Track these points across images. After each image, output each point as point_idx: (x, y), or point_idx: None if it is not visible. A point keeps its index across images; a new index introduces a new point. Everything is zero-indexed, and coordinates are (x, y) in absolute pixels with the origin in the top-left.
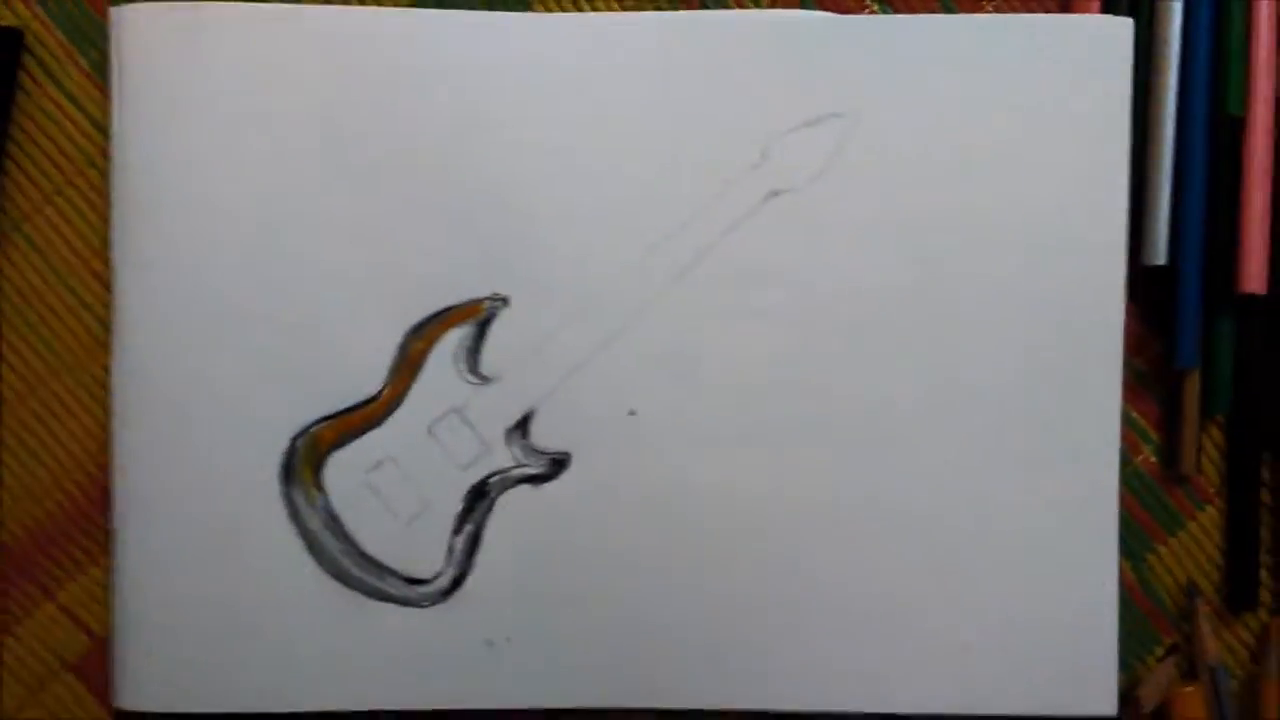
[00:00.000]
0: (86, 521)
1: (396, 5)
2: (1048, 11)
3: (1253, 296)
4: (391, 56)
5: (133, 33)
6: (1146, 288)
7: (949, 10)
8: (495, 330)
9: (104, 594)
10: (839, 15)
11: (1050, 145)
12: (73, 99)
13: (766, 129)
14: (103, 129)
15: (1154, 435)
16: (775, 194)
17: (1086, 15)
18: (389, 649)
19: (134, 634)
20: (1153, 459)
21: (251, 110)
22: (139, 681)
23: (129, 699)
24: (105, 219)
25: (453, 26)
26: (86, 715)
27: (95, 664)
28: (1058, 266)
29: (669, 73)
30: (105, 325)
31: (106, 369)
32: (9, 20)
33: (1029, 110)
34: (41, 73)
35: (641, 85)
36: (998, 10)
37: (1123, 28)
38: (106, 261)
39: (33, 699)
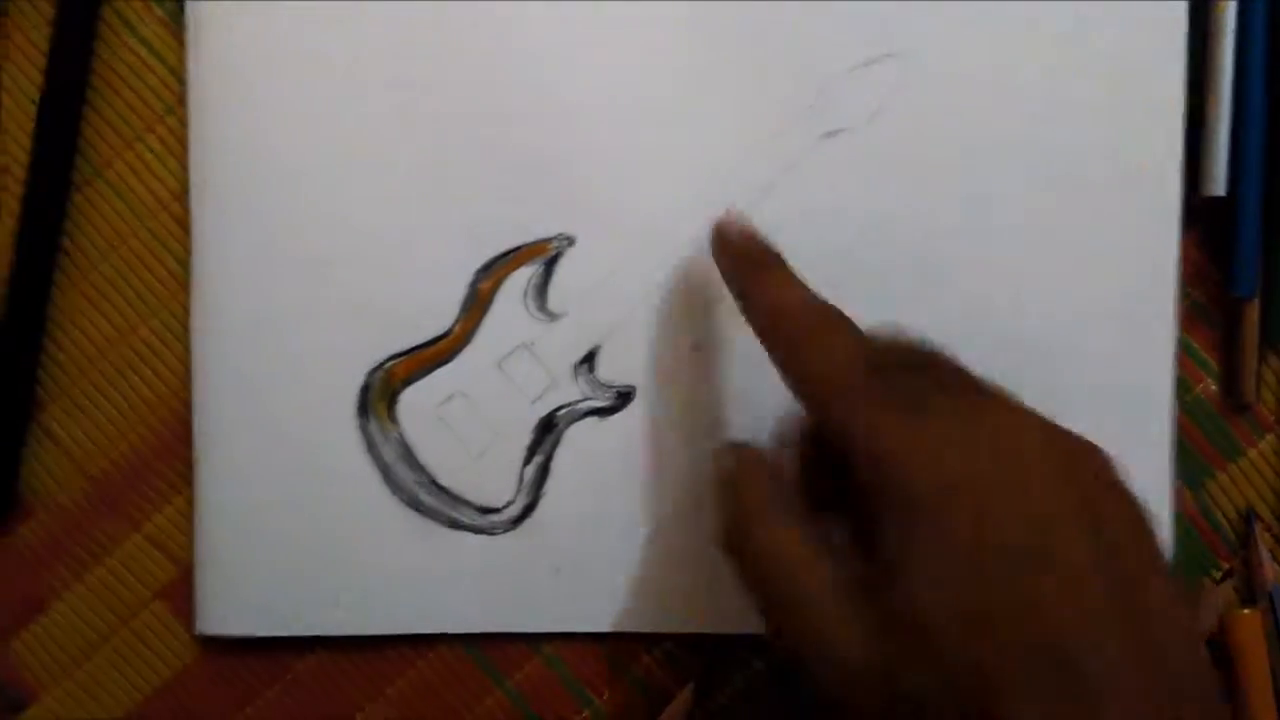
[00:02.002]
0: (171, 454)
1: None
2: None
3: None
4: (460, 6)
5: None
6: (1205, 218)
7: None
8: (562, 268)
9: (188, 524)
10: None
11: (1107, 76)
12: (151, 47)
13: (823, 69)
14: (180, 77)
15: (1214, 364)
16: (832, 134)
17: None
18: (462, 575)
19: (215, 562)
20: (1213, 388)
21: (324, 57)
22: (221, 607)
23: (212, 624)
24: (183, 164)
25: None
26: (173, 640)
27: (181, 591)
28: (1114, 198)
29: (728, 13)
30: (185, 266)
31: (186, 308)
32: None
33: (1085, 43)
34: (120, 23)
35: (701, 26)
36: None
37: None
38: (185, 205)
39: (123, 626)
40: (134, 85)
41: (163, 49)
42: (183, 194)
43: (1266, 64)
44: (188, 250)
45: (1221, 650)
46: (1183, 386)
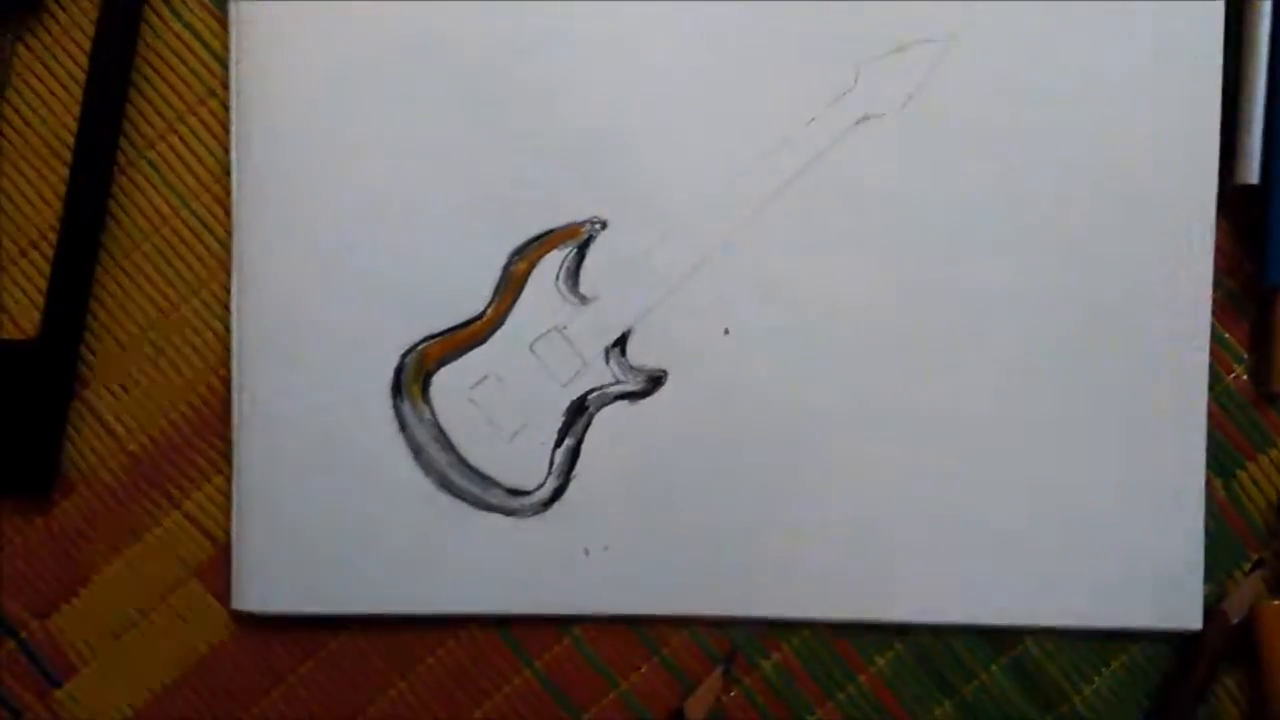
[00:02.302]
0: (209, 432)
1: None
2: None
3: None
4: None
5: None
6: (1239, 207)
7: None
8: (594, 252)
9: (226, 502)
10: None
11: (1142, 65)
12: (194, 31)
13: (859, 53)
14: (222, 61)
15: (1245, 354)
16: (867, 118)
17: None
18: (493, 555)
19: (252, 539)
20: (1244, 378)
21: (362, 44)
22: (256, 584)
23: (247, 601)
24: (225, 146)
25: None
26: (209, 616)
27: (217, 569)
28: (1150, 185)
29: (762, 3)
30: (226, 246)
31: (227, 288)
32: None
33: (1120, 31)
34: (164, 6)
35: (736, 9)
36: None
37: None
38: (226, 187)
39: (161, 603)
40: (177, 69)
41: (205, 33)
42: (224, 176)
43: None
44: (228, 231)
45: (1249, 639)
46: (1214, 376)
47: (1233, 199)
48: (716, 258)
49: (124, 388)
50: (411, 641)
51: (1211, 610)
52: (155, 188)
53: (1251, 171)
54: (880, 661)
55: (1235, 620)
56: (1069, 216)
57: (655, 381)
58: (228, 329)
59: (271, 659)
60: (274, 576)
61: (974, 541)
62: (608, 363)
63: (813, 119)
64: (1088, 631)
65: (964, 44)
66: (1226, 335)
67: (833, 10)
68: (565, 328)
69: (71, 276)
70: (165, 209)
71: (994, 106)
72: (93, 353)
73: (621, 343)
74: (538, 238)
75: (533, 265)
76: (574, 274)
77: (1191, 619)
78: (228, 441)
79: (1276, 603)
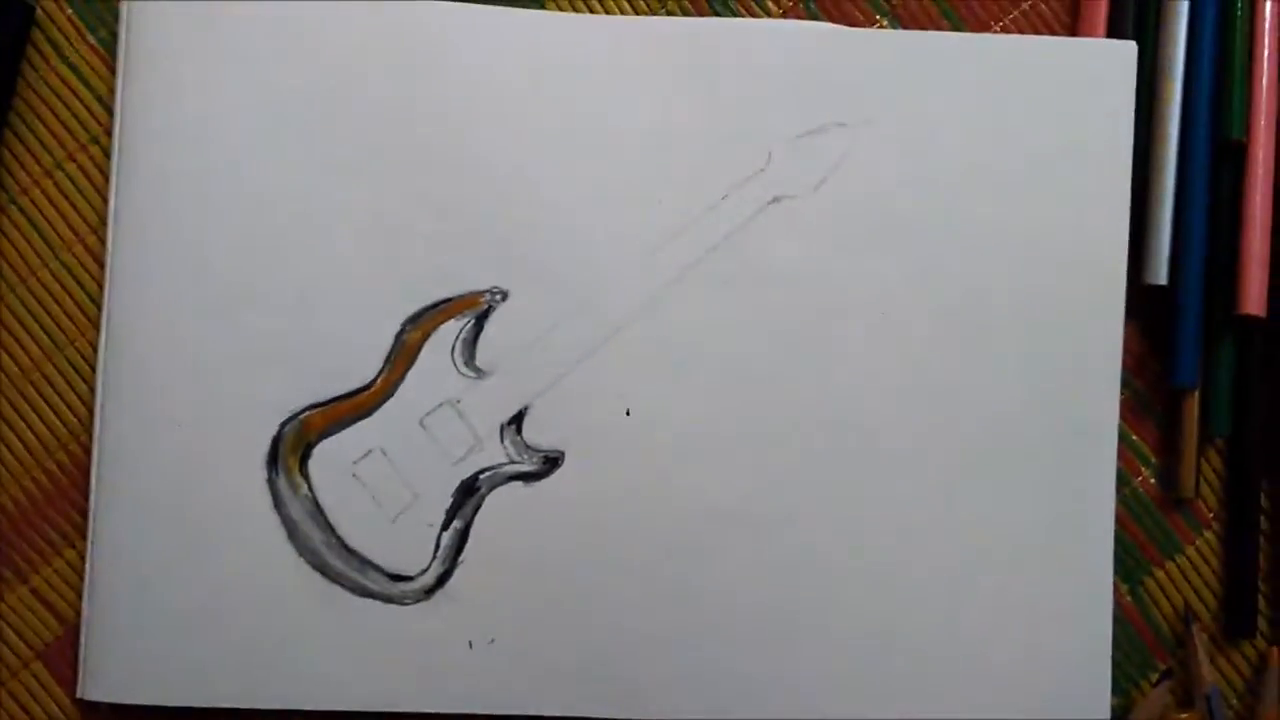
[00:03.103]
0: (65, 503)
1: None
2: (1054, 33)
3: (1253, 318)
4: (397, 48)
5: (144, 14)
6: (1147, 308)
7: (957, 28)
8: (493, 324)
9: (78, 579)
10: (847, 28)
11: (1053, 164)
12: (80, 75)
13: (772, 135)
14: (107, 106)
15: (1153, 457)
16: (778, 199)
17: (1092, 39)
18: (368, 647)
19: (105, 621)
20: (1151, 481)
21: (256, 96)
22: (107, 671)
23: (96, 690)
24: (104, 195)
25: (460, 20)
26: (52, 706)
27: (64, 652)
28: (1058, 284)
29: (676, 76)
30: (97, 303)
31: (95, 346)
32: None
33: (1032, 128)
34: (50, 48)
35: (648, 88)
36: (1005, 30)
37: (1127, 51)
38: (102, 238)
39: (0, 689)
40: (59, 111)
41: (91, 76)
42: (100, 226)
43: (1209, 158)
44: (101, 285)
45: None
46: (1121, 480)
47: (1141, 299)
48: (620, 335)
49: None
50: None
51: None
52: (26, 236)
53: (1160, 272)
54: None
55: None
56: (976, 311)
57: (552, 462)
58: (93, 391)
59: None
60: (127, 663)
61: (879, 642)
62: (502, 441)
63: (724, 197)
64: None
65: (878, 129)
66: (1134, 437)
67: (748, 90)
68: (459, 402)
69: None
70: (34, 259)
71: (904, 193)
72: None
73: (518, 420)
74: (434, 306)
75: (427, 335)
76: (470, 345)
77: None
78: (84, 513)
79: (1185, 716)
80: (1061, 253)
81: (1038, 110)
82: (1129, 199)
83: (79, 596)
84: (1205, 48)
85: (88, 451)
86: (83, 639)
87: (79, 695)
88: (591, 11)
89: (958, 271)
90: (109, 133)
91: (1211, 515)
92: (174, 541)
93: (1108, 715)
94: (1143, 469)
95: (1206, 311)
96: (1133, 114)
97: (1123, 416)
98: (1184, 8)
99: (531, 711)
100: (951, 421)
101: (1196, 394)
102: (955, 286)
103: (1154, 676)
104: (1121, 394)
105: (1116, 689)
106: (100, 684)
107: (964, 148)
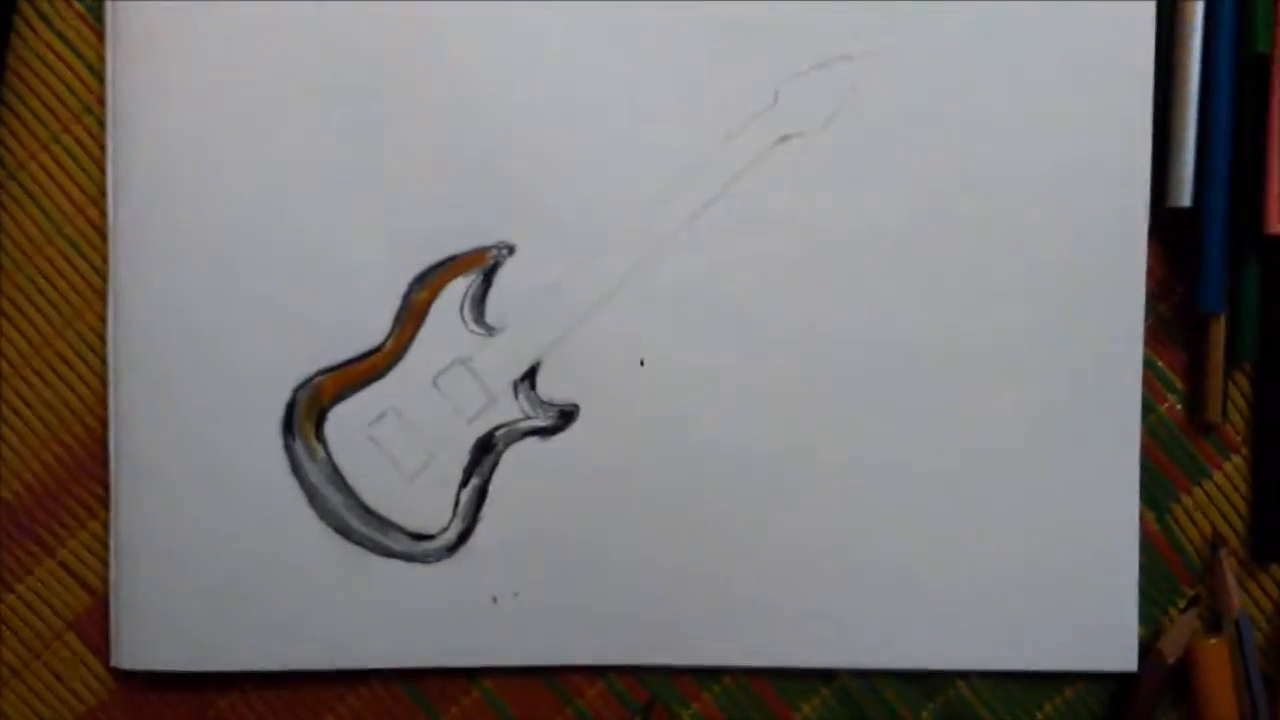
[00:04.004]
0: (86, 475)
1: None
2: None
3: (1278, 239)
4: (396, 3)
5: None
6: (1170, 230)
7: None
8: (501, 279)
9: (104, 550)
10: None
11: (1070, 87)
12: (69, 44)
13: (777, 72)
14: (99, 75)
15: (1179, 383)
16: (786, 139)
17: None
18: (393, 606)
19: (132, 591)
20: (1178, 407)
21: (250, 57)
22: (137, 640)
23: (128, 657)
24: (102, 166)
25: None
26: (87, 674)
27: (96, 622)
28: (1079, 209)
29: (678, 16)
30: (102, 274)
31: (103, 319)
32: None
33: (1048, 52)
34: (36, 17)
35: (651, 29)
36: None
37: None
38: (103, 209)
39: (35, 660)
40: (50, 82)
41: (81, 44)
42: (100, 198)
43: (1233, 75)
44: (105, 258)
45: (1186, 679)
46: (1147, 406)
47: (1164, 223)
48: (630, 284)
49: None
50: (308, 699)
51: (1147, 650)
52: (26, 212)
53: (1184, 194)
54: (806, 709)
55: (1171, 660)
56: (995, 241)
57: (567, 416)
58: (105, 363)
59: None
60: (156, 631)
61: (901, 583)
62: (516, 397)
63: (730, 140)
64: (1021, 674)
65: (886, 61)
66: (1159, 363)
67: (751, 27)
68: (470, 360)
69: None
70: (37, 235)
71: (916, 126)
72: None
73: (531, 376)
74: (440, 264)
75: (435, 293)
76: (479, 303)
77: (1127, 660)
78: (105, 485)
79: (1213, 641)
80: (1082, 178)
81: (1053, 33)
82: (1150, 120)
83: (106, 567)
84: None
85: (104, 424)
86: (113, 609)
87: (113, 664)
88: None
89: (974, 202)
90: (102, 102)
91: (1240, 439)
92: (195, 510)
93: (1135, 642)
94: (1169, 395)
95: (1231, 233)
96: (1153, 30)
97: (1147, 342)
98: None
99: (558, 662)
100: (973, 354)
101: (1223, 318)
102: (972, 217)
103: (1182, 603)
104: (1146, 319)
105: (1144, 616)
106: (132, 652)
107: (976, 74)
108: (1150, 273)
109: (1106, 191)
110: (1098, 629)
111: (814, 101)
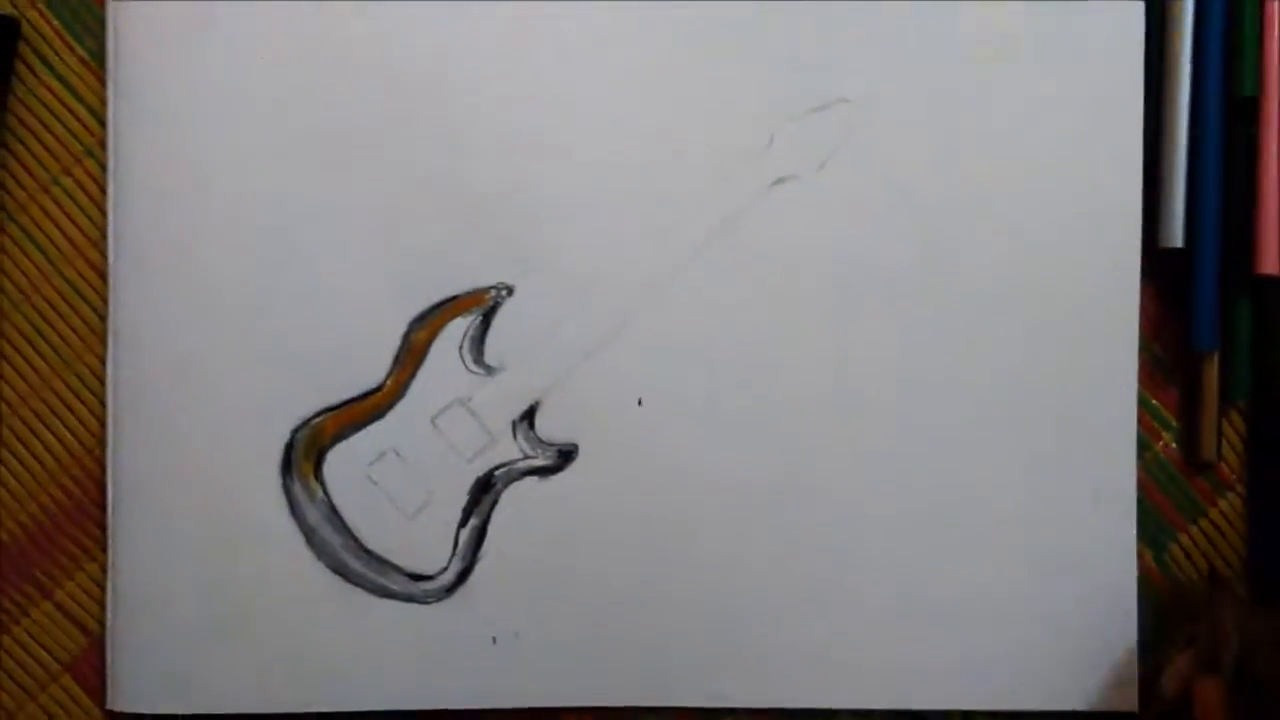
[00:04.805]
0: (84, 516)
1: None
2: None
3: (1271, 278)
4: (396, 45)
5: (130, 22)
6: (1163, 271)
7: None
8: (500, 319)
9: (100, 592)
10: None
11: (1063, 129)
12: (70, 88)
13: (774, 115)
14: (100, 118)
15: (1174, 421)
16: (782, 180)
17: None
18: (391, 647)
19: (128, 633)
20: (1173, 446)
21: (251, 99)
22: (133, 682)
23: (124, 700)
24: (102, 209)
25: (457, 14)
26: (82, 717)
27: (91, 664)
28: (1072, 251)
29: (676, 59)
30: (102, 316)
31: (103, 360)
32: (5, 8)
33: (1041, 94)
34: (38, 62)
35: (648, 71)
36: None
37: (1134, 11)
38: (103, 251)
39: (30, 702)
40: (51, 125)
41: (82, 88)
42: (101, 240)
43: (1222, 117)
44: (105, 299)
45: (1187, 717)
46: (1142, 445)
47: (1157, 263)
48: (628, 324)
49: None
50: None
51: (1147, 685)
52: (27, 254)
53: (1175, 235)
54: None
55: (1171, 697)
56: (989, 281)
57: (565, 456)
58: (104, 405)
59: None
60: (153, 673)
61: (901, 622)
62: (515, 437)
63: (726, 181)
64: (1022, 714)
65: (881, 105)
66: (1154, 402)
67: (747, 71)
68: (470, 400)
69: None
70: (37, 276)
71: (912, 168)
72: None
73: (529, 415)
74: (440, 304)
75: (435, 333)
76: (478, 343)
77: (1127, 699)
78: (103, 527)
79: (1213, 679)
80: (1075, 219)
81: (1045, 74)
82: (1141, 161)
83: (102, 609)
84: (1214, 3)
85: (102, 465)
86: (108, 651)
87: (108, 706)
88: None
89: (968, 243)
90: (103, 145)
91: (1234, 478)
92: (193, 551)
93: (1135, 679)
94: (1164, 434)
95: (1223, 273)
96: (1142, 74)
97: (1142, 381)
98: None
99: (559, 703)
100: (968, 393)
101: (1216, 356)
102: (966, 258)
103: (1181, 640)
104: (1140, 359)
105: (1144, 653)
106: (128, 695)
107: (971, 115)
108: (1144, 312)
109: (1100, 233)
110: (1098, 668)
111: (810, 144)
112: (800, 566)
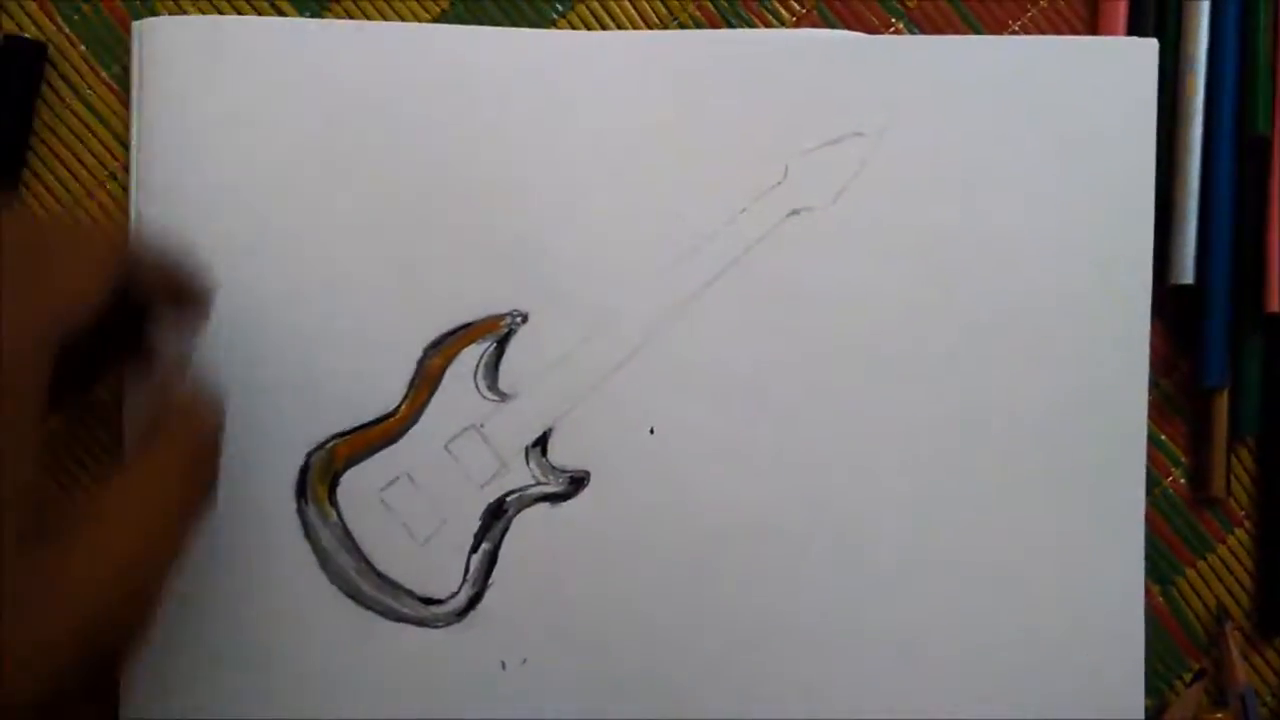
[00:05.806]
0: None
1: (420, 20)
2: (1074, 33)
3: None
4: (413, 72)
5: (154, 46)
6: (1174, 308)
7: (975, 31)
8: (514, 347)
9: None
10: (864, 35)
11: (1076, 165)
12: (95, 112)
13: (788, 147)
14: (124, 142)
15: (1183, 457)
16: (796, 212)
17: (1112, 36)
18: (402, 669)
19: (141, 654)
20: (1181, 481)
21: (272, 124)
22: (143, 703)
23: (135, 711)
24: (124, 232)
25: (476, 42)
26: None
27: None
28: (1084, 286)
29: (691, 91)
30: None
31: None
32: (32, 33)
33: (1054, 131)
34: (64, 86)
35: (664, 103)
36: (1023, 29)
37: (1148, 49)
38: None
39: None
40: (75, 149)
41: (106, 112)
42: None
43: (1234, 156)
44: None
45: None
46: (1151, 480)
47: (1168, 300)
48: (641, 354)
49: None
50: None
51: None
52: None
53: (1186, 271)
54: None
55: None
56: (1001, 316)
57: (577, 483)
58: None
59: None
60: (165, 695)
61: (909, 655)
62: (527, 463)
63: (742, 212)
64: None
65: (895, 138)
66: (1163, 438)
67: (763, 104)
68: (483, 426)
69: None
70: None
71: (925, 202)
72: None
73: (542, 442)
74: (454, 331)
75: (449, 360)
76: (493, 369)
77: None
78: None
79: (1219, 715)
80: (1087, 254)
81: (1058, 111)
82: (1153, 199)
83: None
84: (1227, 43)
85: None
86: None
87: (122, 717)
88: (603, 28)
89: (980, 277)
90: (126, 169)
91: (1243, 514)
92: (206, 572)
93: (1141, 714)
94: (1173, 469)
95: (1234, 310)
96: (1155, 113)
97: (1151, 417)
98: (1205, 5)
99: None
100: (979, 427)
101: (1225, 393)
102: (978, 293)
103: (1187, 677)
104: (1150, 394)
105: (1150, 690)
106: (140, 710)
107: (985, 151)
108: (1154, 348)
109: (1111, 269)
110: (1104, 703)
111: (824, 177)
112: (811, 593)
